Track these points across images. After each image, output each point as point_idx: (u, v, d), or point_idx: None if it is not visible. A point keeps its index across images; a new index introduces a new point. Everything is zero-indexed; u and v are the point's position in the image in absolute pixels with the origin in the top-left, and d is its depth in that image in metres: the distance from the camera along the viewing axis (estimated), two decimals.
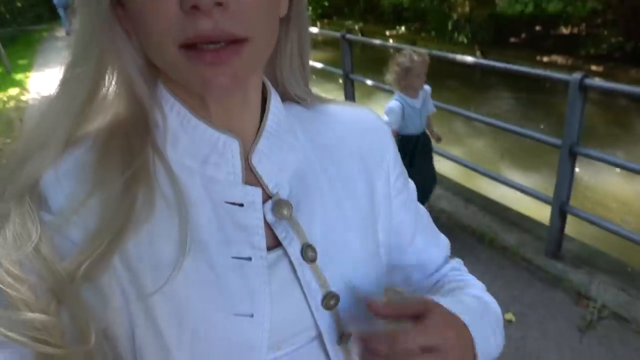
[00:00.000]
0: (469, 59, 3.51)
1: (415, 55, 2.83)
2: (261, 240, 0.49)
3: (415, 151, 2.99)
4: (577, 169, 2.84)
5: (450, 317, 0.51)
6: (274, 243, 0.50)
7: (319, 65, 5.21)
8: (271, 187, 0.51)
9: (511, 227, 3.14)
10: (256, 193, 0.50)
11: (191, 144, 0.48)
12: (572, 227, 2.87)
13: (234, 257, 0.47)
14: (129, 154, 0.46)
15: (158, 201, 0.46)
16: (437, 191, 3.43)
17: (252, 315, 0.47)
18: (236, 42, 0.41)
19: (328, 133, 0.58)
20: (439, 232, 0.70)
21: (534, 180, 4.56)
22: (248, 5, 0.40)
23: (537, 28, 10.87)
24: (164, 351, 0.44)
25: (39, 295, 0.40)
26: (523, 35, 10.84)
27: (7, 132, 5.85)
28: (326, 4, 15.15)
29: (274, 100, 0.53)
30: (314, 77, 7.40)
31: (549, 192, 2.85)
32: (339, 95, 4.97)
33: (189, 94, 0.48)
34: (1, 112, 6.91)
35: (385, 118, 2.88)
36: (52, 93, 0.46)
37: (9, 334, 0.38)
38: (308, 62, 0.57)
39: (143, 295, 0.44)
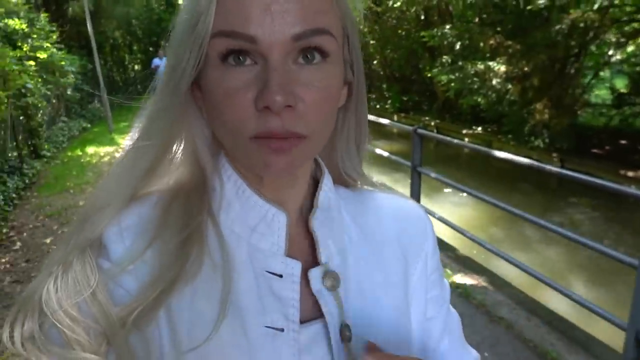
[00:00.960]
0: (548, 167, 3.35)
1: None
2: (295, 313, 0.50)
3: None
4: None
5: None
6: (312, 316, 0.52)
7: (389, 155, 5.36)
8: (323, 255, 0.53)
9: (578, 348, 2.87)
10: (296, 266, 0.51)
11: (243, 212, 0.52)
12: None
13: (267, 327, 0.49)
14: (187, 215, 0.50)
15: (206, 262, 0.49)
16: (498, 297, 3.26)
17: None
18: (298, 138, 0.45)
19: (370, 217, 0.61)
20: (468, 345, 0.67)
21: (607, 300, 4.19)
22: (313, 108, 0.45)
23: (623, 142, 10.50)
24: None
25: (92, 337, 0.43)
26: (607, 147, 10.50)
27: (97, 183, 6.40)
28: (405, 98, 15.70)
29: (327, 179, 0.58)
30: (382, 165, 7.54)
31: (624, 316, 2.61)
32: (406, 186, 5.01)
33: (246, 168, 0.53)
34: (96, 165, 7.68)
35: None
36: (121, 157, 0.52)
37: None
38: (363, 147, 0.61)
39: (178, 351, 0.46)
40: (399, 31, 15.10)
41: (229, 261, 0.49)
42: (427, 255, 0.63)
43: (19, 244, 4.60)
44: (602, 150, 10.57)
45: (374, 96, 17.02)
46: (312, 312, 0.52)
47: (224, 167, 0.53)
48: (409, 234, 0.62)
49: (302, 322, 0.51)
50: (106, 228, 0.48)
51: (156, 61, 13.43)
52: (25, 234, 4.88)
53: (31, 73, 7.19)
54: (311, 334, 0.51)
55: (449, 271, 3.81)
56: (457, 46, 10.98)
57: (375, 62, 16.95)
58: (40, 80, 8.11)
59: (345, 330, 0.51)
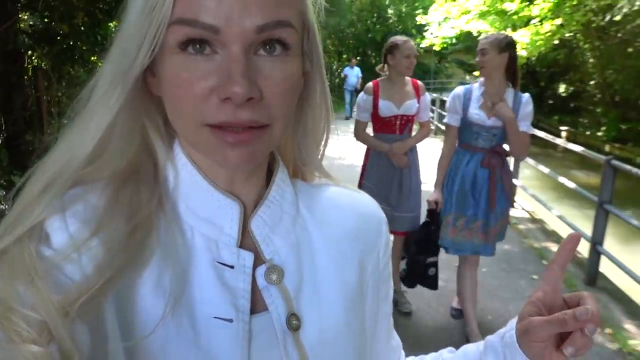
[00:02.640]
0: None
1: None
2: (245, 304, 0.50)
3: None
4: None
5: None
6: (263, 308, 0.52)
7: (571, 185, 4.70)
8: (266, 252, 0.53)
9: None
10: (248, 257, 0.52)
11: (196, 202, 0.51)
12: None
13: (215, 317, 0.49)
14: (137, 203, 0.49)
15: (156, 251, 0.48)
16: None
17: None
18: (258, 127, 0.45)
19: (328, 210, 0.61)
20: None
21: None
22: (275, 98, 0.45)
23: None
24: None
25: (33, 327, 0.40)
26: None
27: None
28: (624, 127, 13.49)
29: (281, 172, 0.57)
30: (569, 198, 6.60)
31: None
32: (587, 224, 4.32)
33: (200, 157, 0.52)
34: None
35: None
36: (59, 142, 0.49)
37: None
38: (321, 139, 0.60)
39: (124, 342, 0.45)
40: (628, 48, 13.01)
41: (179, 251, 0.49)
42: (380, 250, 0.64)
43: None
44: None
45: (585, 121, 15.03)
46: (263, 303, 0.52)
47: (177, 156, 0.53)
48: (364, 228, 0.63)
49: (253, 312, 0.51)
50: (49, 215, 0.46)
51: (347, 70, 13.46)
52: None
53: None
54: (261, 324, 0.51)
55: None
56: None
57: (592, 82, 14.96)
58: None
59: (292, 320, 0.52)
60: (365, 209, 0.64)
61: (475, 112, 2.72)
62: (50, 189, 0.47)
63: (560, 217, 4.81)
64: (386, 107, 3.03)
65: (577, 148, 4.93)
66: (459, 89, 2.84)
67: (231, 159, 0.45)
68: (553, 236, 5.01)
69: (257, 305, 0.52)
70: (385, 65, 3.09)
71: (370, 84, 3.13)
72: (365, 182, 3.14)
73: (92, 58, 5.33)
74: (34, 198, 0.46)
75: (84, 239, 0.45)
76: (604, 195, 3.95)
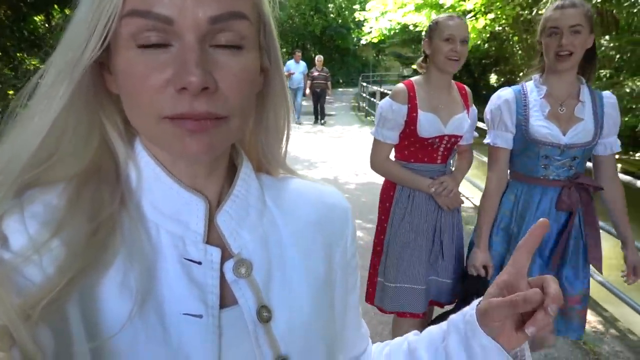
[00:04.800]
0: None
1: None
2: (215, 299, 0.50)
3: None
4: None
5: None
6: (232, 302, 0.52)
7: None
8: (234, 247, 0.54)
9: None
10: (215, 253, 0.52)
11: (160, 200, 0.51)
12: None
13: (185, 314, 0.48)
14: (98, 203, 0.48)
15: (120, 251, 0.47)
16: None
17: None
18: (217, 118, 0.45)
19: (293, 202, 0.62)
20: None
21: None
22: (231, 90, 0.45)
23: None
24: None
25: None
26: None
27: None
28: None
29: (245, 167, 0.58)
30: None
31: None
32: None
33: (162, 154, 0.52)
34: None
35: None
36: (3, 141, 0.47)
37: None
38: (284, 137, 0.61)
39: (90, 344, 0.44)
40: None
41: (144, 249, 0.49)
42: (347, 241, 0.65)
43: None
44: None
45: None
46: (232, 297, 0.52)
47: (139, 155, 0.52)
48: (330, 219, 0.64)
49: (222, 307, 0.51)
50: (6, 217, 0.45)
51: (290, 65, 11.70)
52: None
53: None
54: (231, 318, 0.51)
55: None
56: (616, 59, 9.74)
57: (521, 74, 15.82)
58: None
59: (262, 312, 0.53)
60: (330, 199, 0.66)
61: (543, 125, 1.72)
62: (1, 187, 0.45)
63: None
64: (429, 124, 1.91)
65: None
66: (506, 92, 1.83)
67: (190, 147, 0.45)
68: None
69: (226, 299, 0.52)
70: (427, 59, 2.00)
71: (401, 86, 1.99)
72: (390, 234, 2.04)
73: (18, 54, 4.97)
74: None
75: (44, 240, 0.44)
76: None
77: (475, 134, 2.13)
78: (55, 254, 0.44)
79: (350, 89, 27.23)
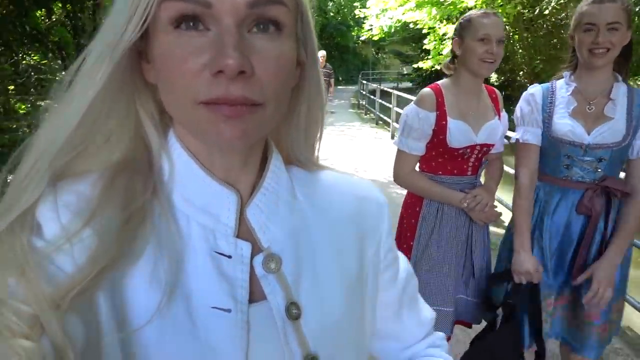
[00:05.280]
0: None
1: None
2: (244, 294, 0.50)
3: None
4: None
5: None
6: (261, 298, 0.52)
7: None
8: (263, 241, 0.53)
9: None
10: (245, 247, 0.51)
11: (192, 191, 0.51)
12: None
13: (213, 307, 0.48)
14: (131, 193, 0.48)
15: (151, 242, 0.48)
16: None
17: None
18: (252, 105, 0.45)
19: (326, 196, 0.61)
20: (423, 305, 0.73)
21: None
22: (267, 76, 0.45)
23: None
24: None
25: (23, 320, 0.39)
26: None
27: None
28: None
29: (275, 160, 0.57)
30: None
31: None
32: None
33: (196, 146, 0.51)
34: None
35: None
36: (40, 130, 0.47)
37: None
38: (318, 132, 0.60)
39: (118, 335, 0.44)
40: (553, 39, 13.85)
41: (175, 241, 0.49)
42: (381, 236, 0.63)
43: None
44: None
45: None
46: (261, 292, 0.52)
47: (173, 146, 0.52)
48: (364, 214, 0.62)
49: (251, 302, 0.50)
50: (40, 205, 0.45)
51: None
52: None
53: None
54: (259, 314, 0.51)
55: None
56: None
57: (522, 73, 15.81)
58: None
59: (292, 308, 0.52)
60: (364, 193, 0.64)
61: (566, 123, 1.65)
62: (35, 173, 0.45)
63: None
64: (460, 132, 1.73)
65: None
66: (534, 89, 1.76)
67: (224, 132, 0.44)
68: None
69: (255, 294, 0.51)
70: (455, 60, 1.80)
71: (428, 90, 1.78)
72: (417, 254, 1.85)
73: (20, 49, 4.96)
74: (20, 183, 0.45)
75: (77, 229, 0.44)
76: None
77: (506, 141, 1.97)
78: (86, 244, 0.44)
79: (350, 87, 27.23)
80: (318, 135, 0.61)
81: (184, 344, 0.46)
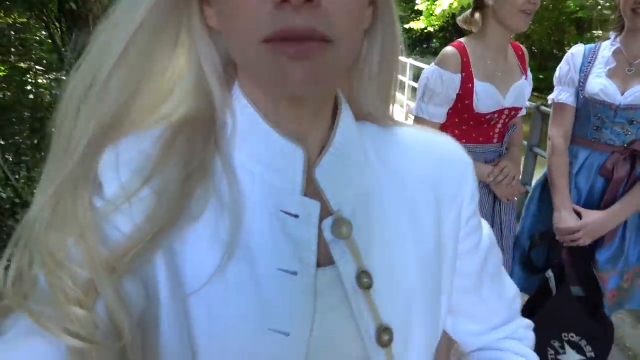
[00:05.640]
0: None
1: None
2: (311, 256, 0.47)
3: None
4: None
5: None
6: (328, 262, 0.48)
7: None
8: (333, 203, 0.49)
9: None
10: (314, 206, 0.47)
11: (257, 147, 0.47)
12: None
13: (279, 269, 0.45)
14: (191, 150, 0.45)
15: (212, 200, 0.45)
16: None
17: (288, 334, 0.45)
18: (321, 40, 0.40)
19: (401, 156, 0.55)
20: (508, 281, 0.66)
21: None
22: (337, 7, 0.40)
23: None
24: (188, 355, 0.43)
25: (78, 285, 0.38)
26: None
27: None
28: (541, 76, 14.36)
29: (345, 115, 0.51)
30: None
31: None
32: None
33: (262, 98, 0.47)
34: None
35: None
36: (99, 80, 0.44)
37: (45, 323, 0.36)
38: (392, 82, 0.54)
39: (178, 296, 0.43)
40: (544, 1, 13.65)
41: (237, 199, 0.46)
42: (463, 200, 0.57)
43: None
44: None
45: None
46: (328, 258, 0.48)
47: (237, 99, 0.48)
48: (444, 176, 0.56)
49: (319, 265, 0.47)
50: (101, 162, 0.44)
51: None
52: None
53: None
54: (327, 279, 0.47)
55: None
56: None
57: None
58: None
59: (362, 277, 0.48)
60: (446, 153, 0.57)
61: (599, 82, 1.58)
62: (84, 109, 0.43)
63: None
64: (488, 96, 1.56)
65: None
66: (577, 48, 1.68)
67: (292, 76, 0.40)
68: None
69: (321, 259, 0.47)
70: (476, 14, 1.60)
71: (451, 49, 1.58)
72: None
73: None
74: (70, 122, 0.43)
75: (136, 188, 0.42)
76: (533, 140, 4.21)
77: (527, 103, 1.78)
78: (145, 203, 0.42)
79: None
80: (393, 86, 0.55)
81: (247, 306, 0.44)
